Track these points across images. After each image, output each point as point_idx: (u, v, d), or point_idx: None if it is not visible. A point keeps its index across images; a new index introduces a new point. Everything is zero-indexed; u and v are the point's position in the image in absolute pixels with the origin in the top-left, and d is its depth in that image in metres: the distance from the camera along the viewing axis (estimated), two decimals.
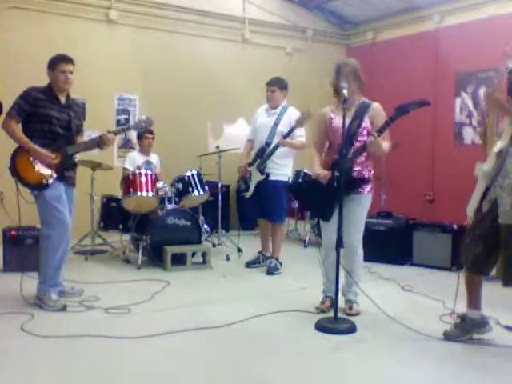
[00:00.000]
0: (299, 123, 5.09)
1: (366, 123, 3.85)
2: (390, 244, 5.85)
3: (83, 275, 4.93)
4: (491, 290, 4.54)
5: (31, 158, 3.94)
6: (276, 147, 5.24)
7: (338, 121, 3.86)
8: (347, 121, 3.78)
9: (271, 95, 5.38)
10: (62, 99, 4.10)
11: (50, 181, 3.96)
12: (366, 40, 9.20)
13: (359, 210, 3.89)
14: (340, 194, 3.65)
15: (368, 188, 4.00)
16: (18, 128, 3.96)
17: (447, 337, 3.44)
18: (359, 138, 3.87)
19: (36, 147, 3.93)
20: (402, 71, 8.47)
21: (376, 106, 3.94)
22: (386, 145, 3.75)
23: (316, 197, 4.01)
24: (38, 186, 3.94)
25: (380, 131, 3.63)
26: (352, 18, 9.23)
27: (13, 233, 5.17)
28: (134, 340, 3.31)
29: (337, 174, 3.79)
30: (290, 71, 8.64)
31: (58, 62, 4.03)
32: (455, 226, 5.58)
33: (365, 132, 3.86)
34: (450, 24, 7.86)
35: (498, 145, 3.21)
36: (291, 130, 5.16)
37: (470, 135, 7.65)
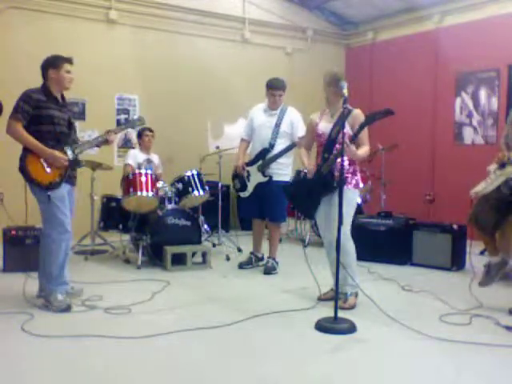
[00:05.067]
0: None
1: (346, 129, 3.92)
2: (389, 244, 5.85)
3: (83, 275, 4.93)
4: (491, 291, 4.56)
5: (41, 160, 3.92)
6: (290, 148, 5.21)
7: (321, 126, 4.21)
8: (330, 127, 4.12)
9: (279, 99, 5.30)
10: (59, 98, 4.09)
11: (59, 180, 3.97)
12: (366, 40, 9.20)
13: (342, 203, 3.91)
14: (340, 196, 3.69)
15: (351, 183, 4.16)
16: (25, 132, 3.89)
17: (483, 285, 4.31)
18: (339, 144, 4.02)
19: (49, 150, 3.91)
20: (402, 71, 8.48)
21: (356, 112, 4.09)
22: (362, 150, 4.03)
23: (302, 197, 4.30)
24: (50, 187, 3.93)
25: (353, 138, 3.92)
26: (352, 17, 9.24)
27: (13, 233, 5.16)
28: (134, 340, 3.31)
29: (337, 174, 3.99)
30: (290, 71, 8.67)
31: (63, 62, 4.03)
32: (455, 226, 5.58)
33: (345, 137, 3.88)
34: (450, 24, 7.86)
35: None
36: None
37: (470, 135, 7.65)
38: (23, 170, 3.92)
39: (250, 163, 5.43)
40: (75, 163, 4.12)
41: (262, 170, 5.31)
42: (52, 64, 4.03)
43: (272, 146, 5.28)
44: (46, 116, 3.95)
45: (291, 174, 5.47)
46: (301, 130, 5.17)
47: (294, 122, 5.29)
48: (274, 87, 5.30)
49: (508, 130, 4.38)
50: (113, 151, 7.58)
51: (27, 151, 3.93)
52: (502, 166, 4.14)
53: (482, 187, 4.20)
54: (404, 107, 7.93)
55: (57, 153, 3.94)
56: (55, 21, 7.09)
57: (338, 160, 3.89)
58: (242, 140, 5.61)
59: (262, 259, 5.65)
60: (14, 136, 3.90)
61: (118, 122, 7.53)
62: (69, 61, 4.07)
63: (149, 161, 6.37)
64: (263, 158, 5.32)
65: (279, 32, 8.86)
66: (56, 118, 4.00)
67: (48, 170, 3.94)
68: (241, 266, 5.61)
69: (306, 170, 4.33)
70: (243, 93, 7.91)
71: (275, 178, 5.29)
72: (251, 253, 5.68)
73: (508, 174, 4.07)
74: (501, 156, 4.21)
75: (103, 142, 4.25)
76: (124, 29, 7.62)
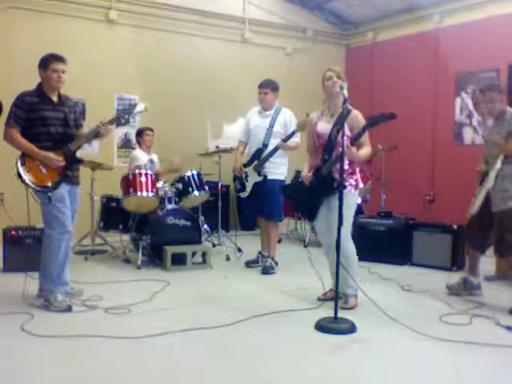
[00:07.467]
0: (298, 128, 5.22)
1: (345, 130, 3.88)
2: (390, 244, 5.85)
3: (83, 275, 4.93)
4: (492, 292, 4.56)
5: (37, 162, 3.93)
6: (275, 149, 5.31)
7: (320, 126, 4.17)
8: (330, 127, 4.08)
9: (264, 97, 5.45)
10: (54, 98, 4.07)
11: (57, 181, 3.97)
12: (366, 40, 9.20)
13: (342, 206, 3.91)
14: (340, 198, 3.69)
15: (350, 185, 4.11)
16: (20, 137, 3.93)
17: (451, 291, 4.49)
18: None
19: (43, 153, 3.92)
20: (402, 71, 8.47)
21: (355, 113, 4.05)
22: (363, 151, 4.00)
23: (302, 198, 4.29)
24: (49, 188, 3.93)
25: (353, 141, 3.90)
26: (352, 17, 9.23)
27: (13, 233, 5.16)
28: (134, 340, 3.32)
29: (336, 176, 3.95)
30: (290, 71, 8.67)
31: (50, 61, 3.99)
32: (455, 226, 5.56)
33: (344, 138, 3.86)
34: (450, 24, 7.86)
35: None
36: (292, 134, 5.26)
37: (469, 135, 7.65)
38: (20, 174, 3.91)
39: (247, 164, 5.50)
40: (73, 161, 4.10)
41: (257, 169, 5.38)
42: (41, 63, 4.03)
43: (265, 146, 5.38)
44: (39, 118, 3.96)
45: (286, 173, 5.51)
46: (293, 127, 5.32)
47: (287, 123, 5.39)
48: (259, 86, 5.49)
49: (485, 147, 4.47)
50: (113, 151, 7.59)
51: (24, 156, 3.95)
52: (482, 181, 4.30)
53: (472, 208, 4.31)
54: (404, 107, 7.92)
55: (51, 154, 3.94)
56: (55, 21, 7.08)
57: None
58: (240, 142, 5.70)
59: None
60: (10, 143, 3.97)
61: (119, 122, 7.51)
62: (57, 59, 4.01)
63: (151, 161, 6.35)
64: (258, 158, 5.40)
65: (279, 32, 8.86)
66: (50, 118, 3.99)
67: (45, 171, 3.94)
68: (248, 264, 5.64)
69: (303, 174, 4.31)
70: (243, 93, 7.89)
71: (270, 177, 5.37)
72: (259, 252, 5.70)
73: (486, 187, 4.19)
74: (479, 171, 4.38)
75: (96, 134, 4.10)
76: (124, 29, 7.62)
